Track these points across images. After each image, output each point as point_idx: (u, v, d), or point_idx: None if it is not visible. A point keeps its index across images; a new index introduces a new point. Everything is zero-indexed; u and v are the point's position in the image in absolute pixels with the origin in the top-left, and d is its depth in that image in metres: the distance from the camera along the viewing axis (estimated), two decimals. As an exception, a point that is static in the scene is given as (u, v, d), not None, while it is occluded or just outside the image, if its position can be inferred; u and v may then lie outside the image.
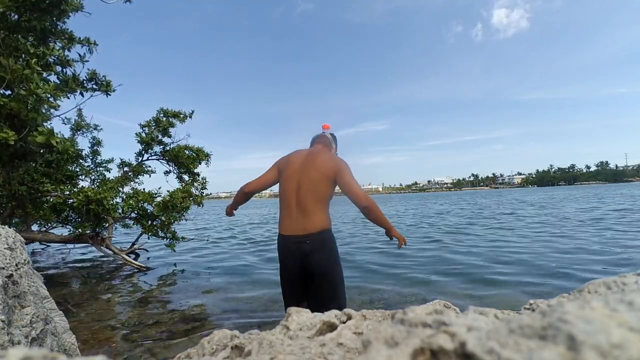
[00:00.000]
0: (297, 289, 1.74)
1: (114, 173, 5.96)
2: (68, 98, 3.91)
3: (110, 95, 4.33)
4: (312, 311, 1.85)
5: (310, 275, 1.68)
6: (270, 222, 13.54)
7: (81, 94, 4.04)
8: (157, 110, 5.48)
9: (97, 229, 4.83)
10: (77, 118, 5.77)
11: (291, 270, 1.72)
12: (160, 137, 5.50)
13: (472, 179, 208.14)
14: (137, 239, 5.94)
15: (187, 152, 5.52)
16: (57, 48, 3.50)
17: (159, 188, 4.98)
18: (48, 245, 7.12)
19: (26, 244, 2.25)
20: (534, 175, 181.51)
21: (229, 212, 2.03)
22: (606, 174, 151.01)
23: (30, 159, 3.67)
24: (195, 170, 5.66)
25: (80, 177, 5.22)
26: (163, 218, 4.80)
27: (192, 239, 7.05)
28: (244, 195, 1.91)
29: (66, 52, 3.80)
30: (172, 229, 5.04)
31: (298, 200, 1.69)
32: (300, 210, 1.68)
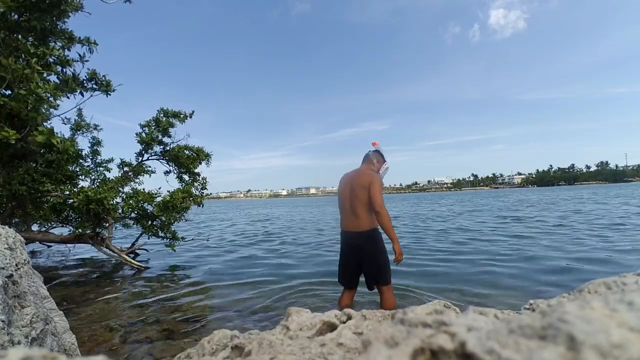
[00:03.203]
0: (350, 268, 2.42)
1: (114, 173, 5.95)
2: (68, 98, 3.91)
3: (110, 95, 4.33)
4: (367, 284, 2.27)
5: (362, 260, 2.34)
6: (272, 219, 13.54)
7: (81, 93, 4.03)
8: (157, 111, 5.47)
9: (97, 229, 4.82)
10: (77, 118, 5.74)
11: (348, 256, 2.43)
12: (160, 137, 5.49)
13: (472, 179, 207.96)
14: (137, 239, 5.94)
15: (187, 152, 5.51)
16: (57, 48, 3.49)
17: (159, 188, 4.98)
18: (48, 246, 7.11)
19: (26, 244, 2.25)
20: (534, 175, 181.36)
21: None
22: (606, 174, 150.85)
23: (30, 158, 3.67)
24: (196, 170, 5.66)
25: (80, 177, 5.21)
26: (163, 218, 4.80)
27: (192, 239, 7.05)
28: None
29: (66, 52, 3.80)
30: (172, 229, 5.03)
31: (351, 206, 2.34)
32: (353, 213, 2.33)
